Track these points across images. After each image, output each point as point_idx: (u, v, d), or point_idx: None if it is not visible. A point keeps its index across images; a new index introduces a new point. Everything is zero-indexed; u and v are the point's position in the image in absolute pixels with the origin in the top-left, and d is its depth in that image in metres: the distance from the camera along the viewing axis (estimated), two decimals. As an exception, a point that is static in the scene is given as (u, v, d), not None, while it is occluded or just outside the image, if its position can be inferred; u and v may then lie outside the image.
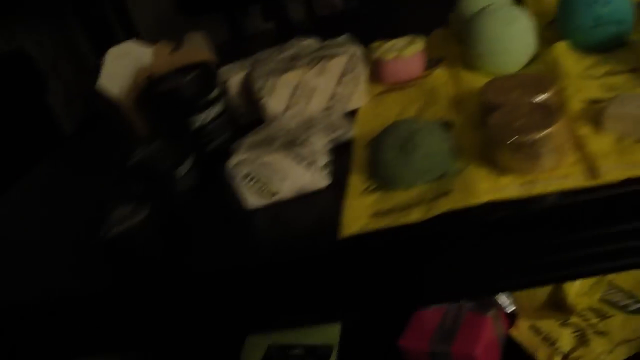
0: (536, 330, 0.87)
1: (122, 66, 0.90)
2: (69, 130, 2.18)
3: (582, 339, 0.84)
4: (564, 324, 0.86)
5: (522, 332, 0.88)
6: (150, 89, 0.81)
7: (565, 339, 0.84)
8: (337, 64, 0.78)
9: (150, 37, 2.89)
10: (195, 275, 0.63)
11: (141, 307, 0.65)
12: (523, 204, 0.54)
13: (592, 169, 0.54)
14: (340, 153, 0.72)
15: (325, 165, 0.66)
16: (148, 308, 0.65)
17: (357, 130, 0.74)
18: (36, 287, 0.68)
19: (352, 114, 0.79)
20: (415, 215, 0.55)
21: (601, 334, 0.84)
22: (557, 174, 0.56)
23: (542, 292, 0.85)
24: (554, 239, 0.55)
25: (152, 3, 2.82)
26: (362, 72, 0.79)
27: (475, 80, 0.76)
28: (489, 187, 0.56)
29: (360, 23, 1.32)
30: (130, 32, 2.65)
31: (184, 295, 0.64)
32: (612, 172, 0.53)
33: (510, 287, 0.75)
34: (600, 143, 0.57)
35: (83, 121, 2.16)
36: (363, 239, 0.56)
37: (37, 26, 2.56)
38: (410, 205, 0.57)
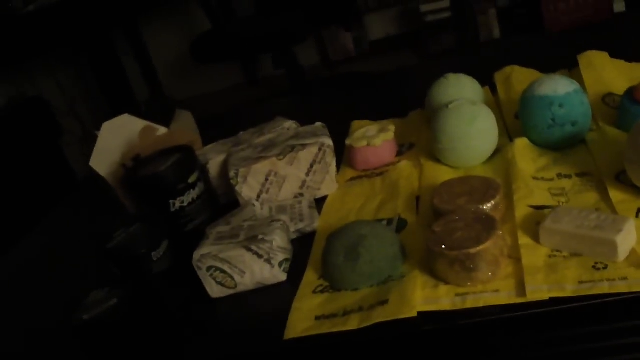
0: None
1: (114, 142, 0.96)
2: (84, 172, 2.26)
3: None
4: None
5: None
6: (133, 172, 0.86)
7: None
8: (307, 154, 0.82)
9: (168, 81, 2.98)
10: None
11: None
12: (454, 315, 0.57)
13: (521, 285, 0.58)
14: (305, 244, 0.76)
15: (283, 262, 0.70)
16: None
17: (321, 222, 0.78)
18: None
19: (323, 200, 0.84)
20: (352, 324, 0.59)
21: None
22: (490, 287, 0.59)
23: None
24: (485, 348, 0.58)
25: (171, 49, 2.92)
26: (331, 163, 0.83)
27: (438, 174, 0.80)
28: (424, 297, 0.60)
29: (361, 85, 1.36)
30: (149, 77, 2.75)
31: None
32: (538, 291, 0.56)
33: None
34: (534, 257, 0.60)
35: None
36: (306, 340, 0.60)
37: (58, 71, 2.67)
38: (351, 310, 0.61)
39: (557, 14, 2.67)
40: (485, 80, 1.00)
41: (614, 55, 0.95)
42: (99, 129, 0.97)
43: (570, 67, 0.97)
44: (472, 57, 1.48)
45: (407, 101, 1.06)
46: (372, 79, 1.43)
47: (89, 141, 0.99)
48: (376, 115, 1.05)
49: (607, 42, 0.99)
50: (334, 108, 1.23)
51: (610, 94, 0.87)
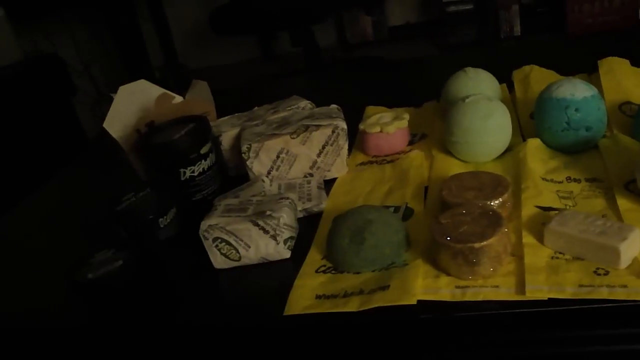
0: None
1: (130, 106, 0.96)
2: (94, 132, 2.27)
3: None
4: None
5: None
6: (146, 138, 0.87)
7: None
8: (320, 135, 0.83)
9: (183, 49, 2.97)
10: (158, 326, 0.68)
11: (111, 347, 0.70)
12: (453, 307, 0.58)
13: (521, 283, 0.58)
14: (311, 223, 0.77)
15: (288, 239, 0.71)
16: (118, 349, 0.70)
17: (329, 203, 0.79)
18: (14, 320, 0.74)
19: (332, 181, 0.85)
20: (352, 306, 0.60)
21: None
22: (491, 282, 0.60)
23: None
24: (480, 342, 0.59)
25: (190, 18, 2.91)
26: (343, 145, 0.84)
27: (448, 167, 0.80)
28: (425, 286, 0.60)
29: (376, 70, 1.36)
30: (166, 43, 2.74)
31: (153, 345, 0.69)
32: (537, 291, 0.57)
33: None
34: (536, 257, 0.61)
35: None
36: (305, 318, 0.61)
37: (76, 29, 2.66)
38: (352, 292, 0.62)
39: (581, 16, 2.64)
40: (502, 76, 1.00)
41: (635, 63, 0.94)
42: (112, 90, 0.97)
43: (590, 72, 0.97)
44: (491, 53, 1.48)
45: (422, 91, 1.07)
46: (390, 65, 1.43)
47: (102, 102, 1.00)
48: (390, 102, 1.05)
49: (629, 50, 0.98)
50: (349, 91, 1.23)
51: (627, 102, 0.87)
